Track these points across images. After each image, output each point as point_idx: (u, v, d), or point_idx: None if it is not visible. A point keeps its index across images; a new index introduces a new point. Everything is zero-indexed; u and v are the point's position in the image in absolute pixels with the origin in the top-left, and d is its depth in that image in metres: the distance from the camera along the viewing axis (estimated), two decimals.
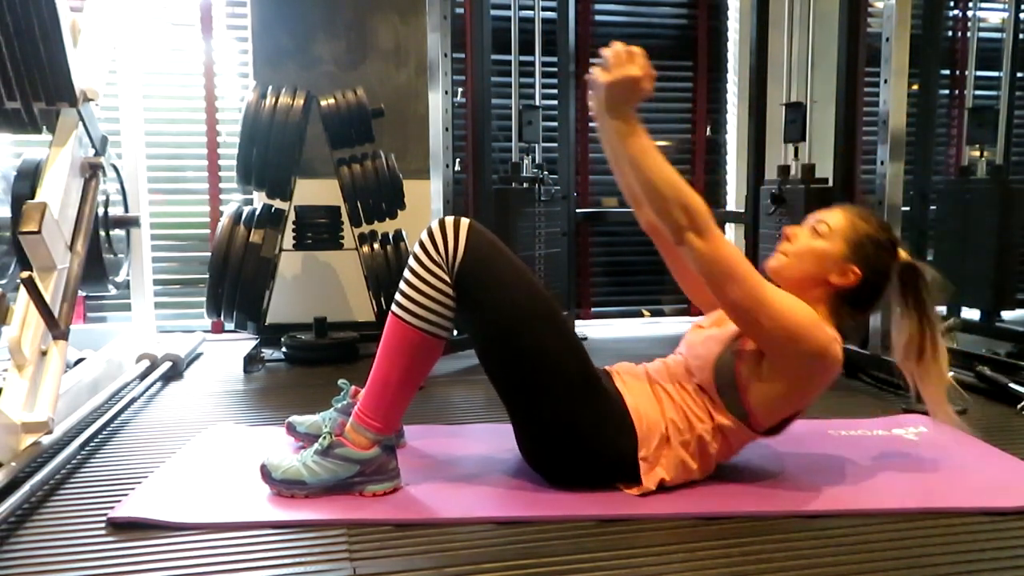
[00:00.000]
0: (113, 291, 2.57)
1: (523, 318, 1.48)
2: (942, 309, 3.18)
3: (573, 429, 1.50)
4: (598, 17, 3.67)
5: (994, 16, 3.85)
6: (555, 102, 3.37)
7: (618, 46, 1.44)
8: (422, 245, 1.50)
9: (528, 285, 1.50)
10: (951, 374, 2.46)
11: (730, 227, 3.74)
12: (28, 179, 2.23)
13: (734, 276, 1.41)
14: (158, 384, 2.44)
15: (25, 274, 1.75)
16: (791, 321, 1.42)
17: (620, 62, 1.43)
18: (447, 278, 1.47)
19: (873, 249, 1.55)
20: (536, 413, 1.52)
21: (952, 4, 3.87)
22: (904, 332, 1.59)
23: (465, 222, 1.50)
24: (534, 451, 1.57)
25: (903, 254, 1.60)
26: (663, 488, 1.51)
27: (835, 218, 1.58)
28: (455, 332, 1.55)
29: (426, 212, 2.71)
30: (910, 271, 1.59)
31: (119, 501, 1.47)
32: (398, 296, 1.51)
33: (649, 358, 1.72)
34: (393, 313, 1.51)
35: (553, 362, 1.48)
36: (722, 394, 1.52)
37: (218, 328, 3.36)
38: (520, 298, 1.48)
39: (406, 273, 1.51)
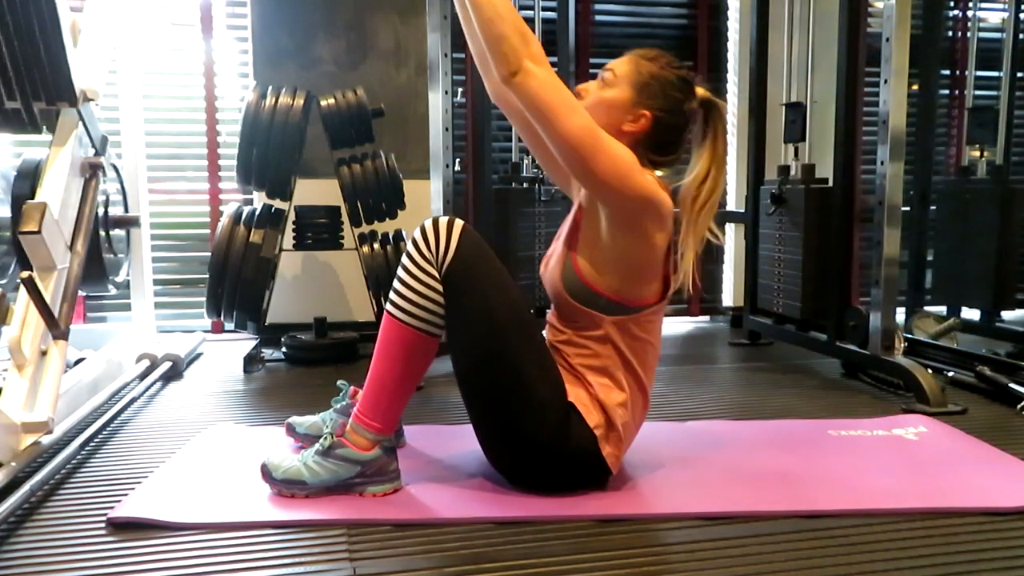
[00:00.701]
0: (113, 291, 2.57)
1: (499, 328, 1.46)
2: (942, 309, 3.19)
3: (543, 439, 1.47)
4: (598, 17, 3.67)
5: (994, 16, 3.85)
6: None
7: None
8: (415, 243, 1.50)
9: (509, 297, 1.48)
10: (952, 373, 2.47)
11: (730, 227, 3.74)
12: (28, 179, 2.23)
13: (571, 107, 1.38)
14: (158, 384, 2.44)
15: (25, 274, 1.75)
16: (620, 160, 1.40)
17: None
18: (437, 275, 1.47)
19: (660, 88, 1.51)
20: (505, 423, 1.50)
21: (952, 4, 3.87)
22: (694, 169, 1.53)
23: (459, 223, 1.50)
24: (502, 459, 1.56)
25: (700, 90, 1.56)
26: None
27: (621, 65, 1.54)
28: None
29: (426, 212, 2.70)
30: (708, 106, 1.55)
31: (119, 501, 1.47)
32: (392, 295, 1.51)
33: None
34: (387, 312, 1.51)
35: (525, 374, 1.46)
36: (585, 303, 1.50)
37: (218, 328, 3.36)
38: (499, 310, 1.47)
39: (399, 271, 1.51)
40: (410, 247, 1.50)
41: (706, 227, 1.54)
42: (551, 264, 1.59)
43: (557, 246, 1.59)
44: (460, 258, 1.46)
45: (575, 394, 1.50)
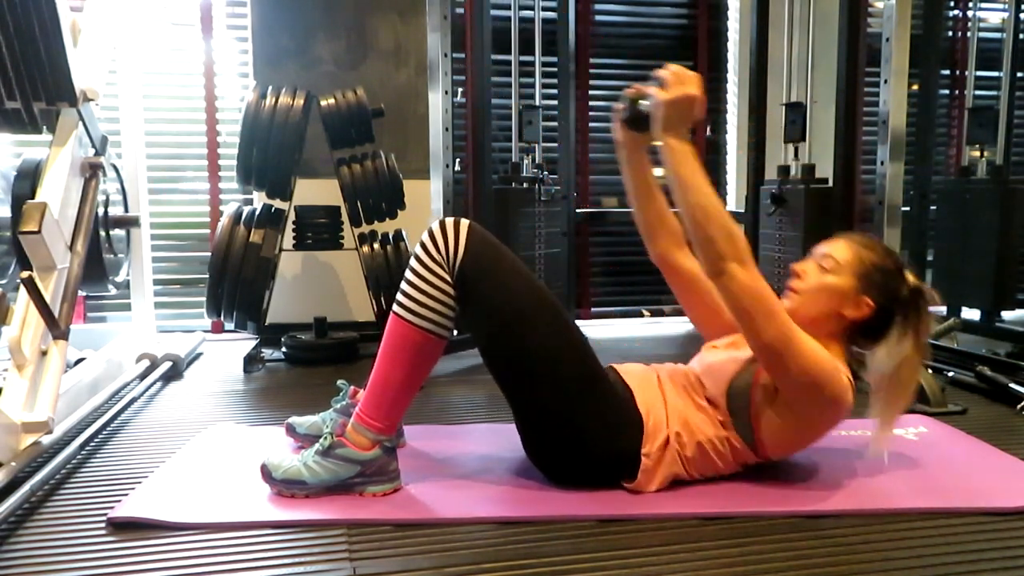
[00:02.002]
0: (113, 291, 2.57)
1: (524, 316, 1.48)
2: (942, 309, 3.19)
3: (576, 426, 1.50)
4: (598, 17, 3.67)
5: (994, 16, 3.85)
6: (555, 102, 3.37)
7: (675, 67, 1.46)
8: (423, 246, 1.50)
9: (529, 283, 1.50)
10: (952, 373, 2.47)
11: None
12: (28, 179, 2.23)
13: (771, 314, 1.41)
14: (158, 384, 2.44)
15: (25, 274, 1.75)
16: (816, 369, 1.44)
17: (680, 81, 1.45)
18: (448, 278, 1.48)
19: (882, 278, 1.56)
20: (540, 410, 1.52)
21: (952, 4, 3.87)
22: (898, 353, 1.55)
23: (465, 222, 1.51)
24: (538, 448, 1.57)
25: (910, 277, 1.61)
26: (661, 488, 1.51)
27: (840, 251, 1.58)
28: (455, 332, 1.56)
29: (426, 212, 2.71)
30: (917, 294, 1.59)
31: (119, 501, 1.47)
32: (399, 296, 1.51)
33: (649, 358, 1.72)
34: (394, 313, 1.51)
35: (555, 359, 1.49)
36: (733, 415, 1.52)
37: (218, 328, 3.36)
38: (521, 296, 1.48)
39: (407, 273, 1.51)
40: (418, 249, 1.51)
41: (902, 411, 1.59)
42: (723, 361, 1.57)
43: (737, 356, 1.56)
44: (471, 254, 1.47)
45: (654, 414, 1.52)
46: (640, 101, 1.56)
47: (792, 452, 1.57)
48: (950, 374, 2.49)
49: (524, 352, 1.49)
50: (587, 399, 1.50)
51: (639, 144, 1.67)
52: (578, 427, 1.50)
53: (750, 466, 1.58)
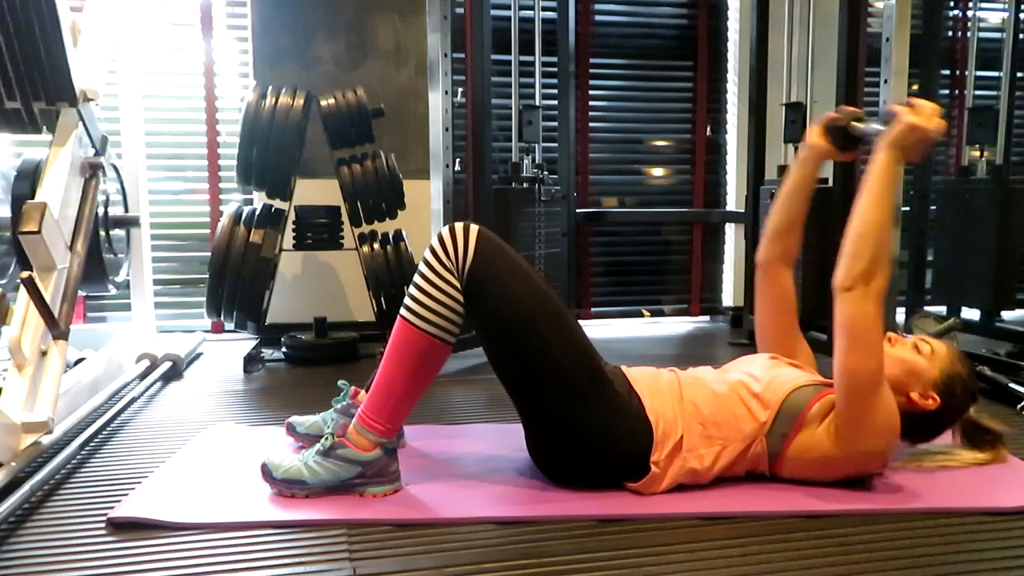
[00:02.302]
0: (113, 291, 2.57)
1: (532, 321, 1.48)
2: (942, 309, 3.18)
3: (582, 430, 1.50)
4: (598, 17, 3.67)
5: (994, 16, 3.85)
6: (555, 102, 3.37)
7: (928, 104, 1.47)
8: (432, 251, 1.50)
9: (537, 288, 1.50)
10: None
11: (730, 227, 3.74)
12: (28, 179, 2.23)
13: (874, 349, 1.43)
14: (158, 384, 2.44)
15: (25, 274, 1.75)
16: (884, 420, 1.45)
17: (932, 114, 1.46)
18: (456, 283, 1.48)
19: (960, 390, 1.58)
20: (546, 414, 1.52)
21: (952, 4, 3.87)
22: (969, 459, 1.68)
23: (475, 228, 1.51)
24: (543, 451, 1.57)
25: (974, 408, 1.65)
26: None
27: (940, 346, 1.61)
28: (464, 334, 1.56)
29: (426, 212, 2.71)
30: (970, 428, 1.68)
31: (119, 501, 1.47)
32: (407, 300, 1.51)
33: (649, 358, 1.72)
34: (402, 317, 1.51)
35: (562, 364, 1.49)
36: (777, 418, 1.52)
37: (218, 328, 3.36)
38: (529, 301, 1.48)
39: (416, 278, 1.51)
40: (427, 255, 1.51)
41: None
42: (786, 375, 1.57)
43: (801, 372, 1.59)
44: (480, 258, 1.47)
45: (664, 418, 1.51)
46: (856, 123, 1.60)
47: (801, 477, 1.56)
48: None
49: (531, 357, 1.49)
50: (593, 404, 1.49)
51: (825, 155, 1.70)
52: (584, 431, 1.50)
53: (754, 474, 1.58)
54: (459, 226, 1.50)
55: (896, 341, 1.62)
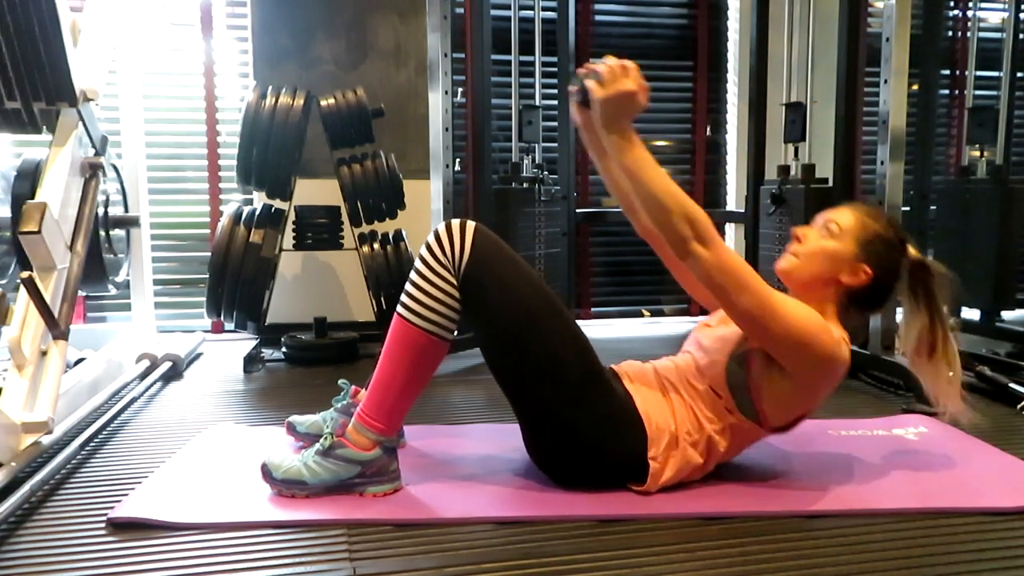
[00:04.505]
0: (113, 291, 2.57)
1: (528, 319, 1.48)
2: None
3: (579, 429, 1.50)
4: (598, 17, 3.67)
5: (994, 16, 3.85)
6: (555, 102, 3.37)
7: (611, 60, 1.43)
8: (428, 247, 1.50)
9: (533, 286, 1.50)
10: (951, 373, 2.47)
11: (730, 227, 3.74)
12: (28, 179, 2.23)
13: (742, 285, 1.41)
14: (158, 384, 2.44)
15: (25, 274, 1.75)
16: (800, 328, 1.42)
17: (615, 77, 1.42)
18: (453, 280, 1.48)
19: (883, 248, 1.56)
20: (543, 413, 1.52)
21: (952, 4, 3.87)
22: (914, 330, 1.60)
23: (471, 225, 1.51)
24: (541, 451, 1.57)
25: (912, 251, 1.61)
26: (665, 488, 1.51)
27: (845, 217, 1.58)
28: (459, 332, 1.56)
29: (426, 212, 2.71)
30: (919, 268, 1.59)
31: (119, 501, 1.47)
32: (404, 297, 1.51)
33: (649, 358, 1.72)
34: (398, 314, 1.51)
35: (559, 362, 1.48)
36: (734, 394, 1.52)
37: (218, 328, 3.36)
38: (525, 299, 1.48)
39: (412, 275, 1.51)
40: (423, 251, 1.51)
41: (959, 377, 1.59)
42: (717, 342, 1.57)
43: (729, 332, 1.56)
44: (477, 256, 1.47)
45: (656, 413, 1.51)
46: (578, 84, 1.53)
47: (797, 416, 1.56)
48: (950, 374, 2.48)
49: (528, 355, 1.49)
50: (590, 403, 1.49)
51: (584, 121, 1.63)
52: (581, 430, 1.50)
53: (760, 442, 1.57)
54: (455, 223, 1.50)
55: (804, 236, 1.59)
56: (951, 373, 1.58)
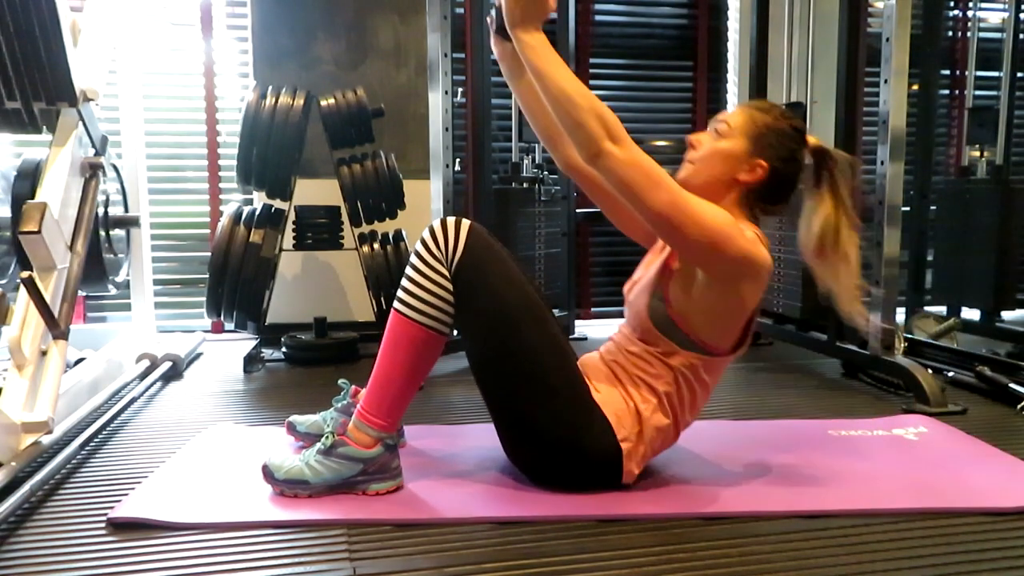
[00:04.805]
0: (113, 291, 2.57)
1: (511, 323, 1.48)
2: (942, 309, 3.19)
3: (556, 432, 1.49)
4: (598, 17, 3.67)
5: (994, 16, 3.85)
6: None
7: None
8: (423, 243, 1.51)
9: (520, 291, 1.50)
10: (952, 373, 2.47)
11: None
12: (28, 179, 2.23)
13: (655, 181, 1.38)
14: (158, 384, 2.44)
15: (25, 274, 1.75)
16: (713, 226, 1.40)
17: None
18: (447, 274, 1.48)
19: (776, 139, 1.53)
20: (519, 417, 1.52)
21: (952, 4, 3.87)
22: (815, 223, 1.53)
23: (466, 223, 1.51)
24: (519, 453, 1.57)
25: (811, 139, 1.57)
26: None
27: (734, 116, 1.56)
28: (455, 331, 1.56)
29: (426, 212, 2.71)
30: (820, 155, 1.56)
31: (119, 501, 1.47)
32: (400, 293, 1.51)
33: None
34: (395, 309, 1.51)
35: (541, 367, 1.48)
36: (664, 331, 1.51)
37: (218, 328, 3.36)
38: (511, 303, 1.48)
39: (408, 270, 1.52)
40: (419, 246, 1.51)
41: (857, 275, 1.53)
42: (638, 289, 1.58)
43: (647, 274, 1.58)
44: (469, 255, 1.48)
45: (611, 399, 1.51)
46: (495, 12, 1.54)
47: (740, 329, 1.54)
48: (950, 374, 2.49)
49: (509, 357, 1.49)
50: (567, 408, 1.49)
51: (500, 50, 1.65)
52: (558, 434, 1.49)
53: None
54: (451, 220, 1.51)
55: (697, 141, 1.57)
56: (850, 272, 1.53)
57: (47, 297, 1.78)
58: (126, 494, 1.51)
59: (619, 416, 1.50)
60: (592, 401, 1.51)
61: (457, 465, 1.69)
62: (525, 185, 3.09)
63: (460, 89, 3.18)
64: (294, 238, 2.93)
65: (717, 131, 1.55)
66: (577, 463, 1.51)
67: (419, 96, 3.24)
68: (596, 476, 1.53)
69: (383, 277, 2.79)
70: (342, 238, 2.97)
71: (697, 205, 1.40)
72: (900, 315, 2.91)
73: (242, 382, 2.56)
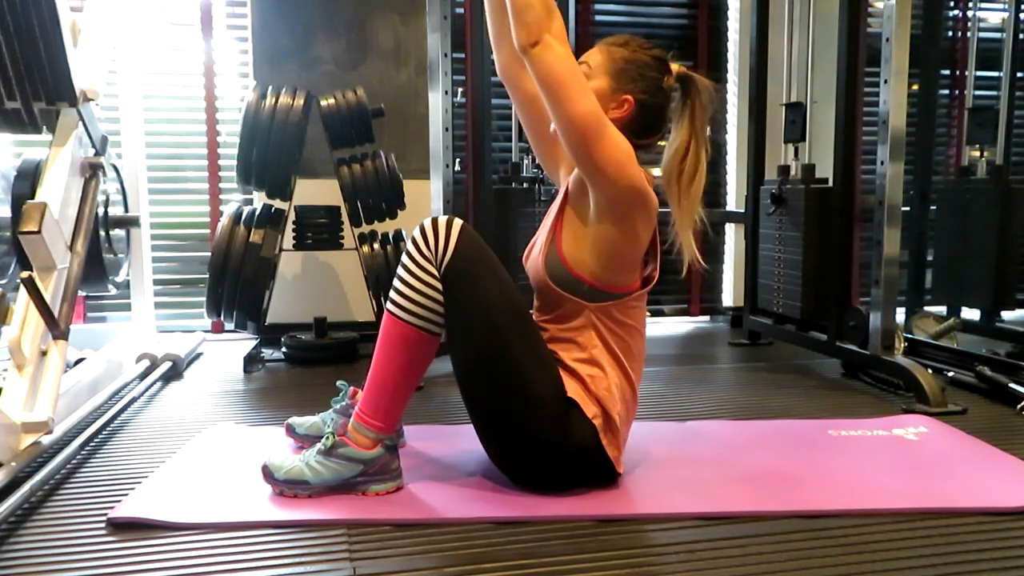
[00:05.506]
0: (113, 291, 2.57)
1: (496, 326, 1.47)
2: (942, 309, 3.19)
3: (544, 437, 1.48)
4: (598, 17, 3.67)
5: (994, 16, 3.85)
6: None
7: None
8: (414, 242, 1.50)
9: (507, 295, 1.49)
10: (952, 373, 2.47)
11: (730, 227, 3.74)
12: (28, 179, 2.23)
13: (584, 90, 1.40)
14: (158, 384, 2.44)
15: (25, 274, 1.75)
16: (620, 148, 1.43)
17: None
18: (436, 274, 1.48)
19: (636, 70, 1.53)
20: (504, 420, 1.50)
21: (952, 4, 3.87)
22: (673, 144, 1.55)
23: (457, 222, 1.51)
24: (501, 456, 1.56)
25: (675, 67, 1.58)
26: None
27: (593, 56, 1.56)
28: None
29: (426, 212, 2.70)
30: (686, 81, 1.56)
31: (119, 501, 1.47)
32: (392, 293, 1.51)
33: (649, 358, 1.72)
34: (387, 310, 1.51)
35: (524, 372, 1.47)
36: (567, 288, 1.52)
37: (218, 328, 3.36)
38: (497, 307, 1.47)
39: (399, 270, 1.52)
40: (409, 246, 1.51)
41: (696, 203, 1.56)
42: (534, 252, 1.62)
43: (541, 235, 1.62)
44: (459, 257, 1.47)
45: (572, 388, 1.51)
46: None
47: (638, 264, 1.55)
48: (950, 374, 2.49)
49: (491, 362, 1.48)
50: (550, 415, 1.48)
51: None
52: (546, 439, 1.48)
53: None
54: (442, 219, 1.51)
55: None
56: (692, 203, 1.56)
57: (47, 297, 1.78)
58: (126, 494, 1.51)
59: (583, 399, 1.50)
60: (568, 398, 1.50)
61: (457, 465, 1.69)
62: (525, 185, 3.09)
63: (460, 89, 3.18)
64: (294, 238, 2.93)
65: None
66: (563, 461, 1.50)
67: (419, 96, 3.24)
68: (582, 470, 1.52)
69: (383, 277, 2.79)
70: (342, 238, 2.97)
71: (610, 126, 1.43)
72: (900, 315, 2.91)
73: (242, 382, 2.56)
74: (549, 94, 1.41)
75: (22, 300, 1.78)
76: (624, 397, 1.55)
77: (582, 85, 1.42)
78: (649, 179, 1.50)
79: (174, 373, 2.59)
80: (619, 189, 1.45)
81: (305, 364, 2.83)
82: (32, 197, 1.97)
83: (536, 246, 1.62)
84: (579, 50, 1.58)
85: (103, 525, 1.39)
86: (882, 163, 2.35)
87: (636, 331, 1.58)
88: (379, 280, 2.79)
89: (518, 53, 1.43)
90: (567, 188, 1.62)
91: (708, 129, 1.58)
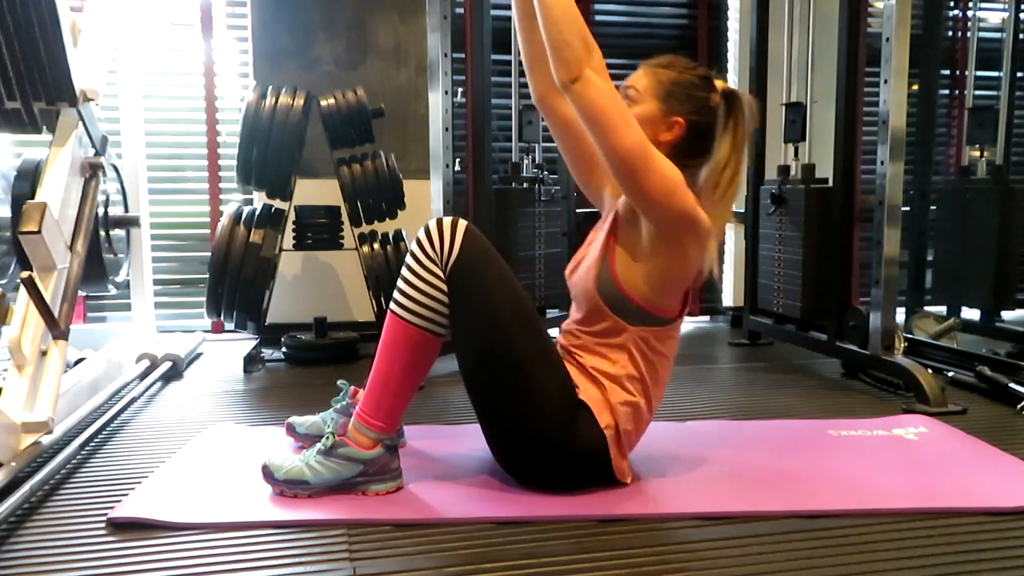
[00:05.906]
0: (113, 291, 2.57)
1: (502, 326, 1.47)
2: (942, 309, 3.19)
3: (551, 437, 1.48)
4: (598, 17, 3.67)
5: (994, 16, 3.85)
6: None
7: None
8: (419, 243, 1.50)
9: (513, 295, 1.49)
10: (952, 373, 2.47)
11: (730, 227, 3.74)
12: (28, 179, 2.23)
13: (628, 122, 1.40)
14: (158, 384, 2.44)
15: (25, 274, 1.75)
16: (670, 178, 1.42)
17: None
18: (441, 275, 1.48)
19: (684, 92, 1.53)
20: (511, 421, 1.50)
21: (952, 4, 3.87)
22: (715, 156, 1.53)
23: (463, 223, 1.51)
24: (508, 456, 1.57)
25: (719, 83, 1.57)
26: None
27: (640, 80, 1.56)
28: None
29: (426, 212, 2.70)
30: (729, 98, 1.56)
31: (119, 501, 1.47)
32: (396, 294, 1.51)
33: None
34: (391, 311, 1.51)
35: (532, 372, 1.47)
36: (614, 309, 1.52)
37: (218, 328, 3.36)
38: (502, 306, 1.47)
39: (403, 271, 1.51)
40: (414, 247, 1.51)
41: (727, 214, 1.55)
42: (584, 267, 1.59)
43: (591, 252, 1.60)
44: (464, 257, 1.47)
45: (588, 392, 1.51)
46: None
47: (683, 291, 1.56)
48: (950, 374, 2.49)
49: (498, 362, 1.47)
50: (558, 413, 1.48)
51: None
52: (550, 440, 1.48)
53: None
54: (447, 220, 1.50)
55: None
56: (724, 215, 1.54)
57: (47, 297, 1.78)
58: (126, 494, 1.51)
59: (598, 406, 1.50)
60: (579, 400, 1.50)
61: (457, 465, 1.69)
62: (525, 185, 3.09)
63: (460, 89, 3.18)
64: (294, 238, 2.93)
65: (629, 97, 1.55)
66: (568, 462, 1.51)
67: (419, 96, 3.24)
68: (587, 472, 1.52)
69: (383, 277, 2.79)
70: (342, 238, 2.97)
71: (658, 154, 1.43)
72: (900, 315, 2.91)
73: (242, 382, 2.56)
74: (594, 129, 1.41)
75: (22, 300, 1.78)
76: (637, 419, 1.55)
77: (626, 118, 1.41)
78: (700, 204, 1.49)
79: (174, 373, 2.59)
80: (670, 216, 1.45)
81: (305, 364, 2.83)
82: (32, 197, 1.97)
83: (585, 263, 1.60)
84: None
85: (103, 525, 1.39)
86: (882, 163, 2.35)
87: (666, 359, 1.58)
88: (379, 280, 2.79)
89: (558, 88, 1.42)
90: (616, 212, 1.60)
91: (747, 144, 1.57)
